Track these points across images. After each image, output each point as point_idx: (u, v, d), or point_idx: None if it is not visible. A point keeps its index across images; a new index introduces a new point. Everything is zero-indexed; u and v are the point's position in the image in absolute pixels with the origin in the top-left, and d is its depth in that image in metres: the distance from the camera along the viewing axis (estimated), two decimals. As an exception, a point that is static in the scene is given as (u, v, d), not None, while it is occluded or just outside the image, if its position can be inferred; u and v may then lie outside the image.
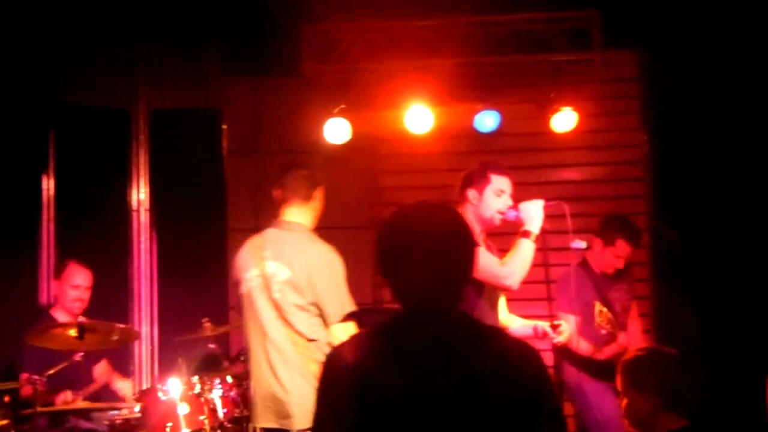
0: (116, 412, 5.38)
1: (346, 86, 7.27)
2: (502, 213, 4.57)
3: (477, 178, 4.71)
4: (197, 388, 4.94)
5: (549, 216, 4.65)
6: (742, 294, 6.31)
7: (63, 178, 7.22)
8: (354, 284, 4.33)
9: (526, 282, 4.54)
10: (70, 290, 5.82)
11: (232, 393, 5.02)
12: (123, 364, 6.80)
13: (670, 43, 6.90)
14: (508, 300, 4.92)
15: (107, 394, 5.90)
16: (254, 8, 7.04)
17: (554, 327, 4.60)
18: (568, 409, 5.49)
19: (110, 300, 6.44)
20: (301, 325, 4.20)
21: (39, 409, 4.85)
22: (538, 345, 2.86)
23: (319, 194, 4.48)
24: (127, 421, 5.21)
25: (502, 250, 4.72)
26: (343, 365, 2.22)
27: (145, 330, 7.25)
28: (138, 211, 7.42)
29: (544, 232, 4.59)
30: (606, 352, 5.43)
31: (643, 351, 3.43)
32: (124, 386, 5.93)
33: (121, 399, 5.79)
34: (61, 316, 5.82)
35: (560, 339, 4.61)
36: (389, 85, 7.11)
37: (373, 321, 4.24)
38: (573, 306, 5.32)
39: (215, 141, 7.65)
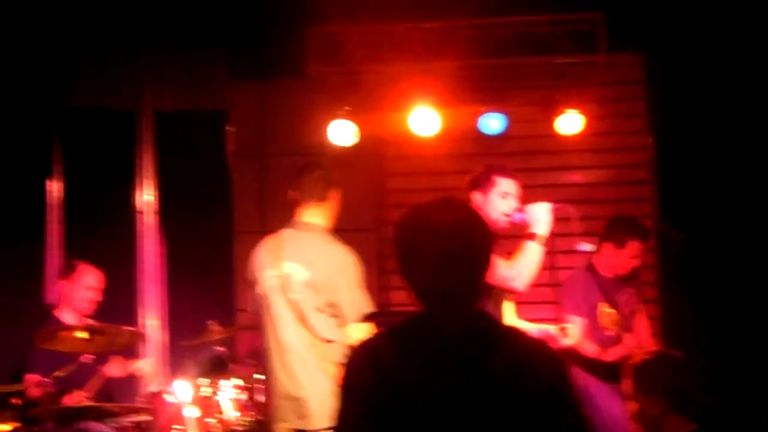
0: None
1: (352, 88, 7.28)
2: (507, 215, 4.57)
3: (482, 181, 4.71)
4: (205, 391, 4.95)
5: (555, 219, 4.66)
6: (749, 297, 6.31)
7: (69, 181, 7.24)
8: (360, 286, 4.38)
9: (532, 285, 4.54)
10: (83, 291, 5.80)
11: (240, 395, 5.03)
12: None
13: (674, 46, 6.90)
14: (516, 303, 4.92)
15: (120, 392, 5.92)
16: (259, 11, 7.05)
17: (562, 330, 4.61)
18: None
19: (117, 302, 6.45)
20: (319, 325, 4.23)
21: (47, 407, 4.86)
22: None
23: (334, 194, 4.49)
24: (135, 423, 5.22)
25: (508, 253, 4.72)
26: (363, 365, 2.24)
27: (152, 332, 7.26)
28: (144, 213, 7.44)
29: (550, 234, 4.59)
30: (612, 354, 5.42)
31: (651, 354, 3.43)
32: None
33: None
34: (66, 317, 5.81)
35: (568, 342, 4.60)
36: (395, 88, 7.12)
37: (380, 323, 4.31)
38: (580, 308, 5.32)
39: (221, 143, 7.66)
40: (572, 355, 5.23)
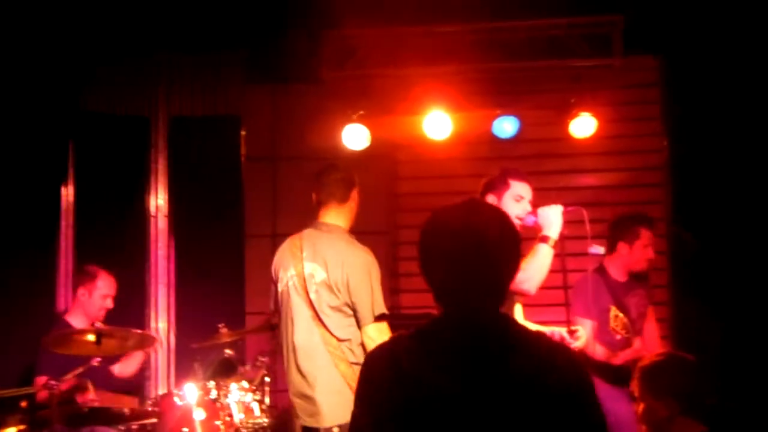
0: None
1: (365, 92, 7.26)
2: (520, 218, 4.56)
3: (497, 184, 4.73)
4: (213, 394, 4.95)
5: (567, 221, 4.63)
6: (762, 299, 6.26)
7: (82, 185, 7.24)
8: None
9: (543, 287, 4.51)
10: (100, 299, 5.84)
11: (248, 398, 5.01)
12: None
13: (690, 49, 6.86)
14: (526, 305, 4.89)
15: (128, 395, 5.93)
16: (273, 15, 7.05)
17: (571, 333, 4.57)
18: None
19: (127, 305, 6.44)
20: (334, 325, 4.31)
21: (55, 408, 4.84)
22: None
23: (354, 196, 4.58)
24: (143, 426, 5.21)
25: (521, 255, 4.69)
26: (383, 366, 2.23)
27: (161, 335, 7.25)
28: (156, 217, 7.44)
29: (562, 237, 4.56)
30: (621, 357, 5.39)
31: (661, 356, 3.41)
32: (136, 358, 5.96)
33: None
34: (76, 321, 5.82)
35: (577, 344, 4.56)
36: (408, 91, 7.09)
37: (392, 325, 4.32)
38: (589, 311, 5.29)
39: (234, 147, 7.66)
40: (581, 357, 5.19)
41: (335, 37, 7.10)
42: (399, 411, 2.15)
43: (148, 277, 7.34)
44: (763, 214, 6.41)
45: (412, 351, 2.20)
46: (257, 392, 5.04)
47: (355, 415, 2.28)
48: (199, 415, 4.90)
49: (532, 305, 4.93)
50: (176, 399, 4.98)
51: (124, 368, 5.96)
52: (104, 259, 6.21)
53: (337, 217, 4.52)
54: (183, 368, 6.66)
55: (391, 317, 4.41)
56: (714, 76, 6.71)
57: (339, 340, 4.30)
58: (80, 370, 5.11)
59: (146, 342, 5.99)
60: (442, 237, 2.24)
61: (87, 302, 5.83)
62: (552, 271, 4.52)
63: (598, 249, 5.02)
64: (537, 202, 4.75)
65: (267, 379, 5.07)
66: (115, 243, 7.03)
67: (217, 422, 4.89)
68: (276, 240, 7.58)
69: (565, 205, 4.72)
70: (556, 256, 4.60)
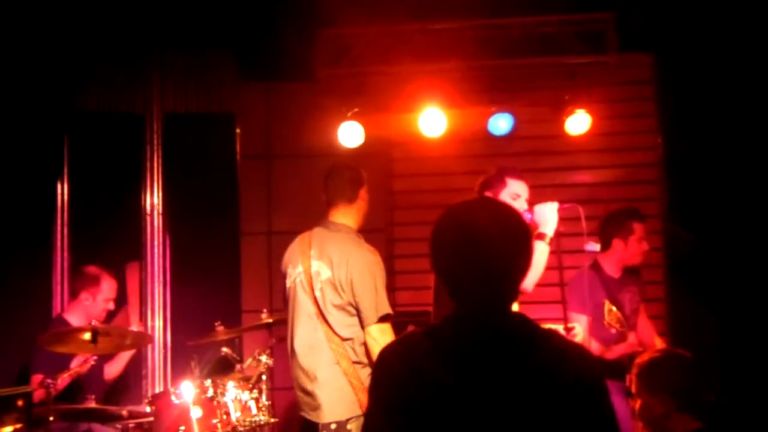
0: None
1: (360, 90, 7.26)
2: (516, 216, 4.56)
3: (494, 182, 4.78)
4: (210, 392, 4.93)
5: (563, 219, 4.66)
6: (758, 296, 6.28)
7: (77, 183, 7.22)
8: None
9: (539, 285, 4.53)
10: (103, 303, 5.87)
11: (245, 396, 5.01)
12: (136, 368, 6.83)
13: (684, 46, 6.87)
14: (522, 303, 4.89)
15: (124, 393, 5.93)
16: (267, 13, 7.04)
17: (568, 330, 4.60)
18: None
19: (123, 303, 6.44)
20: (337, 324, 4.38)
21: (52, 408, 4.84)
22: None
23: (363, 195, 4.63)
24: (139, 424, 5.21)
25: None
26: (398, 363, 2.23)
27: (157, 334, 7.25)
28: (151, 214, 7.42)
29: (558, 234, 4.58)
30: (616, 352, 5.41)
31: (658, 353, 3.42)
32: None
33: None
34: (74, 320, 5.83)
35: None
36: (403, 89, 7.09)
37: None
38: (584, 307, 5.31)
39: (229, 145, 7.65)
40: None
41: (330, 34, 7.09)
42: (412, 407, 2.15)
43: (143, 275, 7.33)
44: (759, 211, 6.42)
45: (425, 348, 2.20)
46: (254, 390, 5.02)
47: (369, 412, 2.28)
48: (195, 413, 4.88)
49: (528, 302, 4.93)
50: (173, 397, 4.96)
51: (111, 369, 5.96)
52: (99, 258, 6.22)
53: (345, 216, 4.58)
54: (179, 366, 6.66)
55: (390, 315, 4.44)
56: (708, 73, 6.72)
57: (342, 338, 4.36)
58: (78, 370, 5.11)
59: (142, 340, 6.00)
60: (455, 234, 2.24)
61: (91, 306, 5.84)
62: (548, 268, 4.54)
63: (594, 246, 5.05)
64: (532, 200, 4.78)
65: (264, 377, 5.06)
66: (111, 241, 7.01)
67: (214, 420, 4.87)
68: (271, 237, 7.62)
69: (561, 202, 4.75)
70: (552, 253, 4.62)
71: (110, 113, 7.35)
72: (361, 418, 4.23)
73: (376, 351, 4.20)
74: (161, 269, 7.34)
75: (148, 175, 7.46)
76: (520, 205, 4.66)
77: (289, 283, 4.60)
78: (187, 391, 4.94)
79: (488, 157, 6.92)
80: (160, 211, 7.41)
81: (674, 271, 7.18)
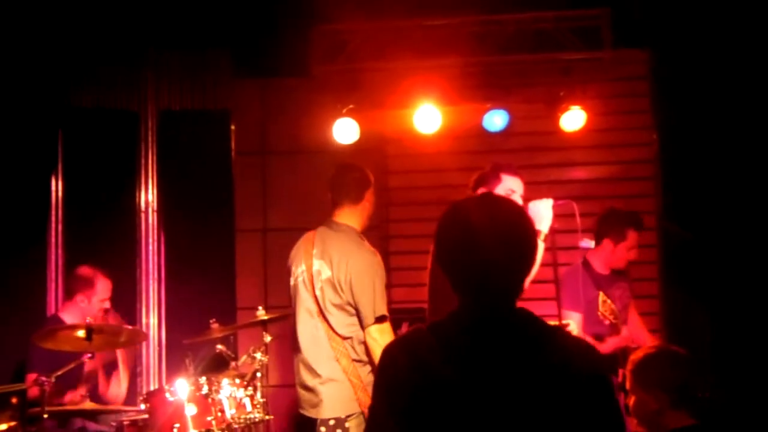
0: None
1: (355, 86, 7.26)
2: (511, 213, 4.56)
3: (489, 178, 4.78)
4: (205, 389, 4.93)
5: (558, 215, 4.65)
6: (753, 292, 6.28)
7: (72, 180, 7.21)
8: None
9: (534, 281, 4.50)
10: (99, 303, 5.84)
11: (240, 393, 5.00)
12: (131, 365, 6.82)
13: (679, 42, 6.87)
14: (517, 300, 4.89)
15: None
16: (262, 10, 7.04)
17: (562, 327, 4.59)
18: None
19: (118, 301, 6.43)
20: (337, 323, 4.44)
21: (46, 408, 4.83)
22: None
23: (369, 197, 4.68)
24: (134, 422, 5.20)
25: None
26: (402, 359, 2.23)
27: (152, 331, 7.24)
28: (146, 212, 7.42)
29: (552, 231, 4.58)
30: (609, 346, 5.41)
31: (652, 349, 3.42)
32: (118, 392, 5.92)
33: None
34: (69, 319, 5.81)
35: (569, 339, 4.58)
36: (398, 85, 7.09)
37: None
38: (577, 304, 5.31)
39: (224, 142, 7.65)
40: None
41: (325, 31, 7.09)
42: (417, 402, 2.15)
43: (138, 273, 7.32)
44: (753, 207, 6.42)
45: (430, 343, 2.21)
46: (249, 387, 5.02)
47: (373, 406, 2.28)
48: (190, 410, 4.88)
49: (522, 299, 4.93)
50: (167, 395, 4.95)
51: (114, 391, 5.93)
52: (94, 255, 6.20)
53: (349, 217, 4.63)
54: (174, 364, 6.66)
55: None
56: (704, 69, 6.71)
57: (341, 337, 4.43)
58: (71, 366, 5.10)
59: (137, 338, 5.99)
60: (461, 231, 2.25)
61: (86, 307, 5.82)
62: (543, 264, 4.53)
63: (589, 243, 5.06)
64: (527, 196, 4.78)
65: (259, 375, 5.06)
66: (105, 238, 7.02)
67: (209, 418, 4.87)
68: (266, 234, 7.61)
69: (556, 198, 4.74)
70: (547, 249, 4.61)
71: (105, 110, 7.34)
72: (360, 416, 4.34)
73: (376, 350, 4.31)
74: (156, 266, 7.34)
75: (143, 172, 7.46)
76: (516, 201, 4.66)
77: (293, 281, 4.66)
78: (181, 389, 4.93)
79: (483, 153, 6.92)
80: (155, 208, 7.41)
81: (668, 268, 7.18)
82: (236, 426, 4.92)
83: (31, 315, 6.40)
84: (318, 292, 4.48)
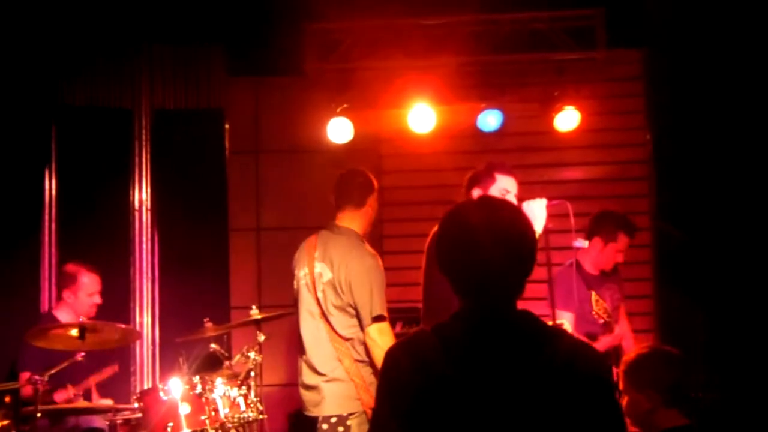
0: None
1: (349, 85, 7.25)
2: (505, 213, 4.56)
3: (483, 178, 4.78)
4: (198, 388, 4.93)
5: (552, 215, 4.65)
6: (747, 293, 6.29)
7: (65, 178, 7.20)
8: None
9: (527, 281, 4.51)
10: (87, 298, 5.82)
11: (234, 393, 5.00)
12: (124, 365, 6.81)
13: (674, 42, 6.87)
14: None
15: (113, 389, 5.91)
16: (256, 8, 7.03)
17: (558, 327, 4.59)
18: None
19: (111, 300, 6.42)
20: (338, 324, 4.50)
21: (40, 407, 4.82)
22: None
23: (372, 201, 4.76)
24: (127, 421, 5.20)
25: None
26: (405, 359, 2.24)
27: (146, 330, 7.24)
28: (140, 210, 7.41)
29: (546, 231, 4.58)
30: (603, 344, 5.41)
31: (645, 349, 3.42)
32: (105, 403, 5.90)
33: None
34: (63, 317, 5.80)
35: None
36: (392, 84, 7.09)
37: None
38: (569, 303, 5.30)
39: (217, 141, 7.63)
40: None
41: (318, 29, 7.08)
42: (420, 402, 2.16)
43: (132, 271, 7.32)
44: (747, 207, 6.43)
45: (433, 344, 2.21)
46: (243, 387, 5.02)
47: (377, 406, 2.29)
48: (184, 409, 4.88)
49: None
50: (161, 394, 4.95)
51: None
52: (88, 254, 6.19)
53: (351, 220, 4.68)
54: (168, 363, 6.65)
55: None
56: (698, 69, 6.72)
57: (343, 338, 4.49)
58: (65, 365, 5.09)
59: (130, 337, 5.97)
60: (460, 233, 2.27)
61: (75, 303, 5.82)
62: (536, 264, 4.52)
63: (583, 243, 5.05)
64: (521, 196, 4.77)
65: (253, 374, 5.06)
66: (99, 237, 7.01)
67: (203, 417, 4.87)
68: (260, 233, 7.61)
69: (550, 198, 4.74)
70: (541, 249, 4.57)
71: (99, 108, 7.34)
72: (362, 416, 4.39)
73: (375, 351, 4.37)
74: (149, 265, 7.34)
75: (137, 170, 7.46)
76: (510, 201, 4.66)
77: (296, 284, 4.73)
78: (175, 388, 4.94)
79: (477, 153, 6.92)
80: (149, 207, 7.41)
81: (663, 268, 7.19)
82: (230, 425, 4.92)
83: (24, 314, 6.39)
84: (320, 294, 4.54)
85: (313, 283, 4.57)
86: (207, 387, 4.94)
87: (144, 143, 7.49)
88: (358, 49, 7.10)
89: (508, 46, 6.99)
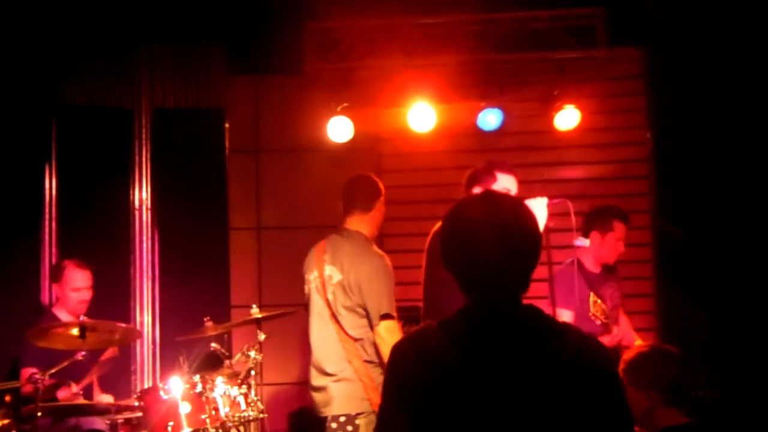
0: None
1: (349, 84, 7.26)
2: (505, 211, 4.56)
3: (483, 177, 4.79)
4: (199, 387, 4.93)
5: (552, 214, 4.65)
6: (747, 292, 6.29)
7: (65, 177, 7.20)
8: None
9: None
10: (72, 293, 5.80)
11: (234, 392, 5.00)
12: (124, 363, 6.81)
13: (674, 41, 6.87)
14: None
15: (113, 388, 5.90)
16: (256, 7, 7.03)
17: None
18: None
19: (112, 299, 6.43)
20: (348, 325, 4.56)
21: (40, 404, 4.81)
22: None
23: (379, 206, 4.83)
24: (128, 420, 5.20)
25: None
26: (412, 354, 2.24)
27: (146, 329, 7.23)
28: (140, 209, 7.41)
29: (547, 229, 4.58)
30: None
31: (645, 348, 3.43)
32: (106, 399, 5.90)
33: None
34: (63, 315, 5.81)
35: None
36: (392, 83, 7.08)
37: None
38: (569, 302, 5.30)
39: (217, 139, 7.63)
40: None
41: (318, 28, 7.09)
42: (426, 397, 2.16)
43: (132, 271, 7.31)
44: (747, 206, 6.43)
45: (440, 339, 2.21)
46: (243, 386, 5.03)
47: (384, 401, 2.29)
48: (184, 408, 4.87)
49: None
50: (161, 393, 4.95)
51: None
52: (88, 253, 6.19)
53: (359, 224, 4.75)
54: (168, 362, 6.65)
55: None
56: (698, 68, 6.72)
57: (353, 339, 4.54)
58: (65, 363, 5.09)
59: (131, 336, 5.97)
60: (461, 229, 2.27)
61: (63, 298, 5.83)
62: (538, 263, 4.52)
63: (584, 241, 5.05)
64: (522, 195, 4.76)
65: (253, 373, 5.06)
66: (99, 236, 7.02)
67: (203, 416, 4.87)
68: (260, 232, 7.61)
69: (550, 197, 4.74)
70: (542, 248, 4.59)
71: (98, 108, 7.34)
72: (371, 415, 4.41)
73: (384, 349, 4.42)
74: (150, 264, 7.33)
75: (137, 170, 7.45)
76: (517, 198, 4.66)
77: (307, 288, 4.80)
78: (175, 387, 4.93)
79: (477, 152, 6.91)
80: (149, 206, 7.40)
81: (663, 267, 7.19)
82: (230, 424, 4.92)
83: (24, 312, 6.39)
84: (330, 296, 4.61)
85: (323, 285, 4.63)
86: (207, 386, 4.94)
87: (144, 142, 7.49)
88: (358, 48, 7.11)
89: (508, 44, 7.00)
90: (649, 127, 7.42)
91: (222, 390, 4.97)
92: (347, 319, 4.56)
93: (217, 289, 7.31)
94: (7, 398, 4.99)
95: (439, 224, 5.04)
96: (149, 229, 7.37)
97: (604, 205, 5.79)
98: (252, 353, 5.10)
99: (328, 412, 4.54)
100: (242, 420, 4.96)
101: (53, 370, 4.97)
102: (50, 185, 7.14)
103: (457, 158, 6.87)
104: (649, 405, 3.23)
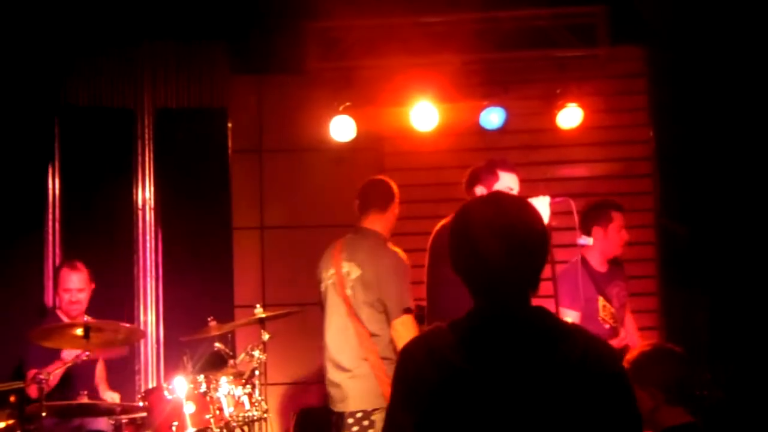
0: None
1: (351, 83, 7.25)
2: (508, 210, 4.55)
3: (485, 175, 4.80)
4: (203, 387, 4.95)
5: (555, 212, 4.66)
6: (751, 290, 6.28)
7: (69, 177, 7.21)
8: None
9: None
10: (63, 294, 5.83)
11: (238, 391, 5.01)
12: (129, 363, 6.83)
13: (676, 39, 6.86)
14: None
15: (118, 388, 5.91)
16: (258, 6, 7.03)
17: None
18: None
19: (115, 299, 6.43)
20: (367, 319, 4.74)
21: (44, 403, 4.82)
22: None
23: (394, 207, 4.98)
24: (132, 420, 5.21)
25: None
26: (421, 355, 2.24)
27: (150, 329, 7.24)
28: (143, 209, 7.40)
29: (550, 228, 4.57)
30: None
31: (648, 347, 3.42)
32: (112, 396, 5.91)
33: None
34: (62, 314, 5.83)
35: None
36: (394, 82, 7.08)
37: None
38: (575, 302, 5.29)
39: (220, 139, 7.62)
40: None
41: (320, 28, 7.09)
42: (434, 397, 2.17)
43: (135, 271, 7.31)
44: (751, 203, 6.42)
45: (449, 340, 2.21)
46: (247, 385, 5.04)
47: (392, 400, 2.29)
48: (188, 408, 4.89)
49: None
50: (166, 393, 4.97)
51: (98, 375, 5.92)
52: (91, 253, 6.20)
53: (375, 223, 4.93)
54: (172, 362, 6.65)
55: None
56: (700, 66, 6.72)
57: (371, 334, 4.71)
58: (69, 363, 5.10)
59: (135, 336, 5.98)
60: (466, 230, 2.27)
61: (60, 300, 5.85)
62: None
63: (587, 240, 5.05)
64: (524, 193, 4.77)
65: (257, 372, 5.07)
66: (102, 236, 7.03)
67: (207, 416, 4.88)
68: (264, 232, 7.61)
69: (553, 196, 4.75)
70: (549, 247, 4.59)
71: (101, 108, 7.34)
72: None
73: (399, 344, 4.53)
74: (153, 264, 7.33)
75: (140, 169, 7.45)
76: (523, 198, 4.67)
77: (322, 287, 4.95)
78: (180, 387, 4.95)
79: (480, 151, 6.90)
80: (152, 205, 7.40)
81: (667, 265, 7.17)
82: (234, 424, 4.93)
83: (28, 312, 6.41)
84: (349, 292, 4.77)
85: (341, 282, 4.77)
86: (211, 386, 4.96)
87: (147, 142, 7.49)
88: (360, 47, 7.10)
89: (510, 43, 6.99)
90: (651, 125, 7.40)
91: (226, 390, 4.98)
92: (366, 314, 4.72)
93: (221, 289, 7.31)
94: (12, 399, 5.01)
95: (441, 223, 5.08)
96: (152, 228, 7.37)
97: (595, 201, 5.78)
98: (256, 353, 5.11)
99: (344, 407, 4.68)
100: (246, 420, 4.97)
101: (57, 371, 4.99)
102: (53, 185, 7.15)
103: (460, 157, 6.87)
104: (652, 404, 3.23)
